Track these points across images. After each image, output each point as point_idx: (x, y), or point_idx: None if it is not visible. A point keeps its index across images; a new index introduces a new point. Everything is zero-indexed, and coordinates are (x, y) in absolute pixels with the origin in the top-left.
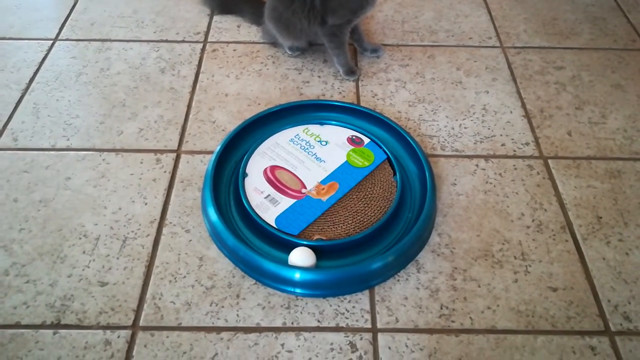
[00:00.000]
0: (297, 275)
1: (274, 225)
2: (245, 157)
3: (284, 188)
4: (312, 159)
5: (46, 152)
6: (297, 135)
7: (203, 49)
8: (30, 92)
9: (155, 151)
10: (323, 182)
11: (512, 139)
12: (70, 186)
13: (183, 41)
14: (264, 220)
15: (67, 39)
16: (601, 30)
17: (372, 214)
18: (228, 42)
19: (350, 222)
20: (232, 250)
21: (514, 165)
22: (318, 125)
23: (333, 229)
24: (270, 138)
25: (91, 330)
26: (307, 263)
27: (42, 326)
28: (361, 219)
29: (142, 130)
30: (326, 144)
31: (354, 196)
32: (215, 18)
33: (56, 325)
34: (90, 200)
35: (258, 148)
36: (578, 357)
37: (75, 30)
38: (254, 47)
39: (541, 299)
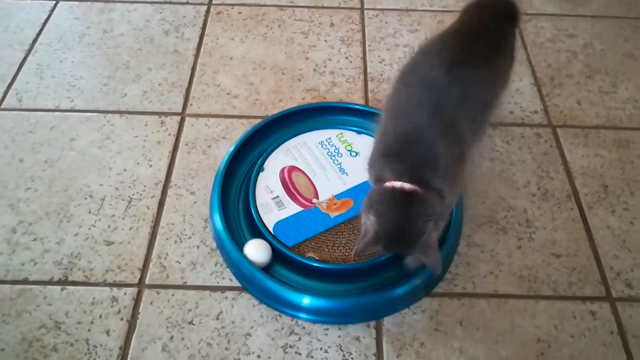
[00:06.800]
0: (306, 301)
1: (271, 230)
2: (268, 150)
3: (295, 193)
4: (335, 168)
5: (50, 113)
6: (329, 139)
7: (207, 11)
8: (34, 52)
9: (159, 114)
10: (338, 196)
11: (521, 107)
12: (75, 147)
13: (187, 3)
14: (262, 223)
15: None
16: None
17: None
18: (233, 5)
19: (352, 247)
20: (235, 264)
21: (521, 133)
22: (354, 133)
23: (331, 250)
24: (300, 135)
25: (98, 287)
26: (258, 259)
27: (50, 282)
28: None
29: (146, 93)
30: (356, 155)
31: None
32: None
33: (64, 282)
34: (95, 161)
35: (284, 144)
36: (578, 321)
37: None
38: (259, 9)
39: (544, 265)
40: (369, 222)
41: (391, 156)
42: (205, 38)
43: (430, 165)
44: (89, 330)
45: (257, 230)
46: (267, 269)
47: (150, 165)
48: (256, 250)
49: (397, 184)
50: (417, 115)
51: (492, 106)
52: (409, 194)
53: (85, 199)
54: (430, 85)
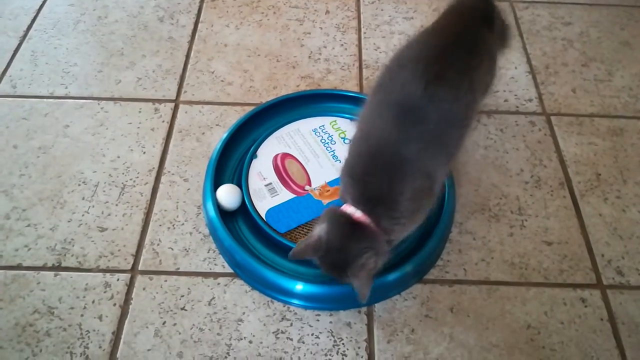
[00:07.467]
0: (299, 287)
1: (263, 217)
2: (261, 137)
3: (288, 180)
4: (328, 155)
5: (45, 100)
6: (323, 126)
7: None
8: (28, 39)
9: (153, 100)
10: (331, 183)
11: (516, 95)
12: (69, 134)
13: None
14: (255, 210)
15: None
16: None
17: None
18: None
19: None
20: (227, 251)
21: (515, 122)
22: (348, 120)
23: None
24: (293, 123)
25: (91, 272)
26: (227, 203)
27: (44, 268)
28: None
29: (141, 80)
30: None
31: None
32: None
33: (57, 268)
34: (89, 148)
35: (277, 131)
36: (568, 308)
37: None
38: None
39: (535, 252)
40: (318, 228)
41: (356, 179)
42: (199, 25)
43: (388, 204)
44: (82, 315)
45: (250, 218)
46: (234, 215)
47: (144, 152)
48: (227, 194)
49: (351, 209)
50: (388, 142)
51: (470, 124)
52: (356, 222)
53: (79, 185)
54: (405, 109)
